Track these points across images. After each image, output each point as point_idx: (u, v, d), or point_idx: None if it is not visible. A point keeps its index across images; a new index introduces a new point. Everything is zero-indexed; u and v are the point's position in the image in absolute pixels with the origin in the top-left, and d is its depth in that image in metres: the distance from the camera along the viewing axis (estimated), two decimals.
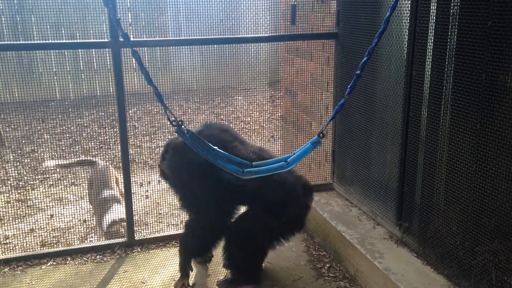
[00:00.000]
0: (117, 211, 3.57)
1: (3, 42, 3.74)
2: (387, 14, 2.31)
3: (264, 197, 2.74)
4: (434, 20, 2.58)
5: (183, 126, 2.37)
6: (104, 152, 5.44)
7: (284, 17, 3.98)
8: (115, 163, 5.13)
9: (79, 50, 7.18)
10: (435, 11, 2.57)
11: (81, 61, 7.41)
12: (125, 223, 3.42)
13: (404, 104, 2.83)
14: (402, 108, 2.85)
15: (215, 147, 2.41)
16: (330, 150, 3.76)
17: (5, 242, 3.53)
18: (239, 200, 2.85)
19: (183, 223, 3.02)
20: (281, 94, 4.72)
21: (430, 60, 2.63)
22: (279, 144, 4.77)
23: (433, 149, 2.66)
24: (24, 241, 3.52)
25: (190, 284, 2.92)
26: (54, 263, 3.18)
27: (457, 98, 2.44)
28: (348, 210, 3.40)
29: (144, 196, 4.36)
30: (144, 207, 4.14)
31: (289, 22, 3.79)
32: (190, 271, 2.94)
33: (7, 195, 4.33)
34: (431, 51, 2.62)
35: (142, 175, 4.83)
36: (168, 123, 2.41)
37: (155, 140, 5.87)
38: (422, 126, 2.72)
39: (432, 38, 2.60)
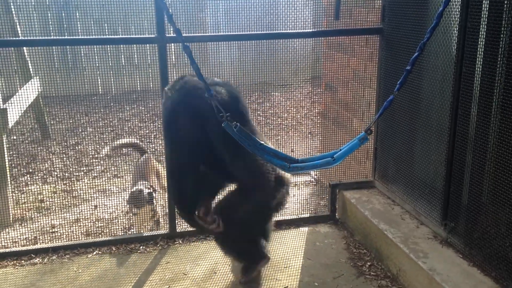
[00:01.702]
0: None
1: (49, 37, 3.87)
2: (440, 8, 2.26)
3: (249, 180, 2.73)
4: (486, 15, 2.51)
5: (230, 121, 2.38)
6: (145, 146, 5.54)
7: (327, 12, 3.95)
8: (156, 156, 5.22)
9: (121, 46, 7.35)
10: (487, 6, 2.50)
11: (122, 56, 7.58)
12: (167, 216, 3.49)
13: (453, 102, 2.76)
14: (450, 105, 2.78)
15: (262, 142, 2.42)
16: (371, 147, 3.71)
17: (52, 231, 3.66)
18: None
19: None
20: (321, 90, 4.69)
21: (482, 56, 2.56)
22: (318, 141, 4.74)
23: (483, 148, 2.59)
24: (70, 230, 3.64)
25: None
26: (100, 252, 3.28)
27: (509, 96, 2.37)
28: (390, 209, 3.35)
29: None
30: None
31: (333, 17, 3.75)
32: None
33: (54, 185, 4.48)
34: (483, 47, 2.54)
35: None
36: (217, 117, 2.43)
37: None
38: (472, 124, 2.65)
39: (484, 33, 2.52)
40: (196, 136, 2.59)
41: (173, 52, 5.82)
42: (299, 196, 4.26)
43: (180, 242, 3.41)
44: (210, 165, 2.78)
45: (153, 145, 5.56)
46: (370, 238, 3.23)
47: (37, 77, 5.28)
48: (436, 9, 2.74)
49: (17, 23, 4.93)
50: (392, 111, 3.38)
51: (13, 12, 4.93)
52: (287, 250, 3.29)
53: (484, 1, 2.51)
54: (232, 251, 2.96)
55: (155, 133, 5.96)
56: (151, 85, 7.33)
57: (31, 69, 5.27)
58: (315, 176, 4.59)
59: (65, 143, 5.57)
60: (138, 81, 7.49)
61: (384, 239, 3.05)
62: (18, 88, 4.73)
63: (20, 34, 4.92)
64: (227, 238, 2.85)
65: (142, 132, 6.06)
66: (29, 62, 5.23)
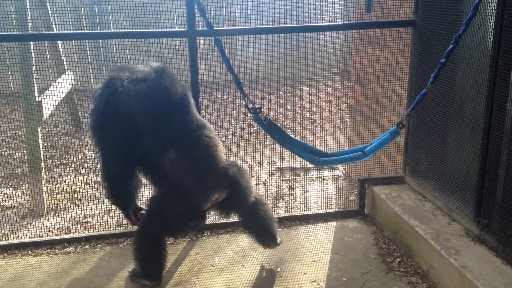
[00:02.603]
0: None
1: (82, 31, 3.94)
2: (477, 0, 2.20)
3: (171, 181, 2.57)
4: None
5: (260, 114, 2.39)
6: None
7: (357, 4, 3.89)
8: None
9: (152, 40, 7.42)
10: None
11: (152, 51, 7.66)
12: None
13: (488, 96, 2.69)
14: (485, 100, 2.71)
15: (292, 135, 2.42)
16: (402, 142, 3.66)
17: (84, 221, 3.75)
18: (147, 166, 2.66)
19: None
20: (351, 84, 4.64)
21: None
22: (347, 135, 4.70)
23: None
24: (102, 220, 3.72)
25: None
26: (130, 242, 3.33)
27: None
28: (421, 205, 3.30)
29: None
30: None
31: (364, 9, 3.69)
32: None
33: (86, 177, 4.59)
34: None
35: None
36: (246, 109, 2.44)
37: (222, 128, 5.98)
38: (507, 118, 2.58)
39: None
40: (128, 139, 2.45)
41: (202, 46, 5.86)
42: (327, 190, 4.24)
43: (209, 234, 3.45)
44: (143, 167, 2.66)
45: None
46: (400, 234, 3.19)
47: (70, 70, 5.40)
48: (472, 1, 2.66)
49: (52, 18, 5.04)
50: (424, 105, 3.31)
51: (48, 7, 5.05)
52: (315, 244, 3.28)
53: None
54: (135, 251, 2.78)
55: None
56: (180, 79, 7.38)
57: (65, 63, 5.39)
58: (343, 171, 4.55)
59: None
60: None
61: (414, 235, 3.00)
62: (53, 81, 4.85)
63: (54, 29, 5.04)
64: (138, 237, 2.76)
65: None
66: (62, 55, 5.35)
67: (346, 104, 6.33)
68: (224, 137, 5.70)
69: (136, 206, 2.81)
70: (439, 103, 3.18)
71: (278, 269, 3.01)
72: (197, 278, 2.94)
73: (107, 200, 2.90)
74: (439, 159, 3.22)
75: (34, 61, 3.83)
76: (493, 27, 2.63)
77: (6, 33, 3.22)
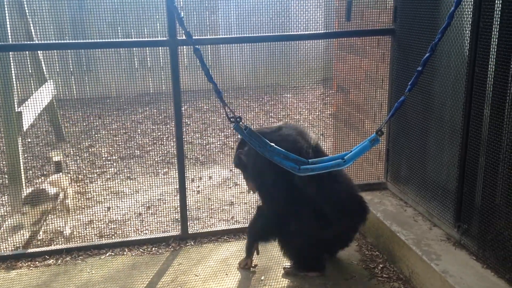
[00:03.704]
0: None
1: (63, 41, 3.92)
2: (452, 8, 2.25)
3: (323, 204, 2.81)
4: (499, 15, 2.48)
5: (241, 123, 2.40)
6: (158, 148, 5.59)
7: (338, 13, 3.94)
8: (168, 158, 5.26)
9: (134, 49, 7.41)
10: (500, 5, 2.47)
11: (136, 59, 7.64)
12: (179, 217, 3.51)
13: (465, 103, 2.73)
14: (463, 106, 2.76)
15: (272, 144, 2.43)
16: (383, 149, 3.69)
17: (66, 232, 3.70)
18: (303, 197, 2.87)
19: (255, 208, 3.17)
20: (333, 91, 4.68)
21: (494, 56, 2.53)
22: (330, 142, 4.73)
23: (496, 149, 2.56)
24: (84, 232, 3.68)
25: (253, 265, 3.10)
26: (112, 253, 3.31)
27: None
28: (403, 210, 3.33)
29: (196, 192, 4.44)
30: (196, 202, 4.22)
31: (344, 18, 3.74)
32: (256, 253, 3.13)
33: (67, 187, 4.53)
34: (496, 47, 2.52)
35: (193, 171, 4.92)
36: (227, 118, 2.45)
37: (206, 137, 5.97)
38: (484, 125, 2.63)
39: (497, 33, 2.49)
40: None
41: (185, 55, 5.86)
42: None
43: (192, 243, 3.43)
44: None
45: (165, 147, 5.59)
46: (383, 240, 3.21)
47: (52, 80, 5.35)
48: (448, 9, 2.71)
49: (32, 27, 5.00)
50: (404, 112, 3.36)
51: (28, 16, 5.00)
52: None
53: (496, 1, 2.48)
54: (296, 250, 2.98)
55: (167, 135, 6.00)
56: (164, 88, 7.37)
57: (45, 73, 5.34)
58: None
59: (79, 146, 5.64)
60: (151, 84, 7.55)
61: (396, 241, 3.02)
62: (33, 91, 4.80)
63: (34, 38, 4.99)
64: (298, 240, 2.91)
65: (155, 134, 6.11)
66: (43, 65, 5.30)
67: (328, 112, 6.38)
68: (208, 146, 5.70)
69: None
70: (419, 110, 3.22)
71: (262, 278, 3.00)
72: None
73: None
74: (419, 165, 3.26)
75: (13, 72, 3.79)
76: (469, 35, 2.68)
77: None
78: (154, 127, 6.36)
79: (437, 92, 3.05)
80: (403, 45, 3.36)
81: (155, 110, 6.92)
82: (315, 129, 6.12)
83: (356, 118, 4.10)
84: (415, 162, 3.31)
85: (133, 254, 3.30)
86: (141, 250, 3.34)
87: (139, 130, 6.22)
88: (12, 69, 3.78)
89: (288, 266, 3.06)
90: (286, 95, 7.49)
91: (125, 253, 3.31)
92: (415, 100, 3.22)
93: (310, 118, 6.60)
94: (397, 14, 3.42)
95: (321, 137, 5.74)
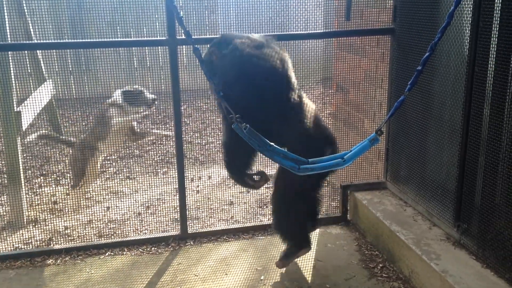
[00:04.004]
0: None
1: (62, 41, 3.91)
2: (452, 8, 2.24)
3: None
4: (499, 14, 2.48)
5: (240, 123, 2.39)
6: (157, 148, 5.58)
7: (337, 13, 3.94)
8: (167, 158, 5.26)
9: (133, 48, 7.40)
10: (500, 5, 2.47)
11: (135, 59, 7.64)
12: (179, 217, 3.51)
13: (465, 102, 2.73)
14: (463, 106, 2.76)
15: (272, 144, 2.42)
16: (383, 148, 3.69)
17: (65, 232, 3.70)
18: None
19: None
20: (332, 91, 4.67)
21: (494, 56, 2.53)
22: None
23: (496, 148, 2.56)
24: (83, 231, 3.67)
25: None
26: (112, 253, 3.30)
27: None
28: (402, 210, 3.33)
29: (195, 191, 4.44)
30: (195, 202, 4.22)
31: (344, 17, 3.74)
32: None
33: (67, 187, 4.53)
34: (495, 46, 2.51)
35: (193, 171, 4.92)
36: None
37: (205, 136, 5.97)
38: (484, 125, 2.63)
39: (497, 33, 2.49)
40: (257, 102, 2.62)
41: (184, 54, 5.86)
42: None
43: (192, 243, 3.42)
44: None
45: (165, 147, 5.59)
46: (382, 239, 3.21)
47: (51, 79, 5.34)
48: (447, 9, 2.71)
49: (31, 27, 4.99)
50: (404, 112, 3.36)
51: (27, 16, 4.99)
52: None
53: (496, 0, 2.48)
54: (283, 228, 3.00)
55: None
56: (163, 87, 7.36)
57: (44, 72, 5.33)
58: (326, 177, 4.56)
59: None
60: (150, 83, 7.54)
61: (396, 241, 3.02)
62: (32, 91, 4.79)
63: (33, 38, 4.98)
64: (281, 213, 2.96)
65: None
66: (42, 65, 5.29)
67: (328, 111, 6.37)
68: (207, 145, 5.69)
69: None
70: (418, 109, 3.22)
71: (262, 277, 3.00)
72: None
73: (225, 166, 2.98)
74: (419, 164, 3.26)
75: (12, 71, 3.78)
76: (469, 34, 2.68)
77: None
78: (153, 126, 6.35)
79: (437, 92, 3.05)
80: (402, 44, 3.36)
81: (154, 110, 6.91)
82: None
83: (356, 117, 4.10)
84: (414, 161, 3.30)
85: (133, 254, 3.30)
86: (140, 250, 3.34)
87: (138, 130, 6.20)
88: (11, 68, 3.76)
89: (278, 259, 3.04)
90: None
91: (124, 253, 3.31)
92: (414, 100, 3.22)
93: None
94: (397, 14, 3.42)
95: None
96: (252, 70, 2.58)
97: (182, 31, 2.69)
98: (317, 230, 3.55)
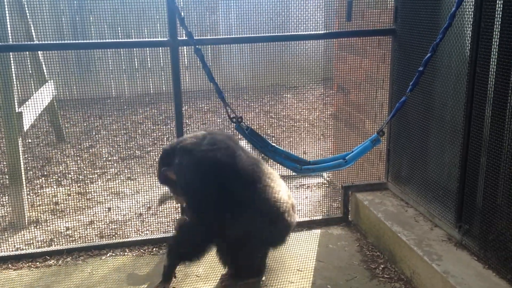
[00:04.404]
0: None
1: (63, 42, 3.91)
2: (453, 9, 2.25)
3: (258, 209, 2.68)
4: (500, 15, 2.48)
5: (242, 123, 2.39)
6: (158, 148, 5.58)
7: (338, 14, 3.94)
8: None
9: (134, 49, 7.40)
10: (501, 5, 2.47)
11: (136, 60, 7.64)
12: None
13: (467, 103, 2.73)
14: (464, 106, 2.75)
15: (274, 144, 2.43)
16: (384, 149, 3.69)
17: (66, 233, 3.70)
18: (236, 208, 2.72)
19: (176, 224, 2.99)
20: (333, 92, 4.67)
21: (496, 56, 2.53)
22: (330, 143, 4.73)
23: (497, 149, 2.56)
24: (84, 232, 3.67)
25: None
26: (113, 254, 3.30)
27: None
28: (404, 211, 3.32)
29: None
30: None
31: (345, 18, 3.74)
32: (174, 278, 2.93)
33: (68, 188, 4.53)
34: (497, 47, 2.51)
35: None
36: (228, 119, 2.45)
37: None
38: (486, 125, 2.62)
39: (498, 33, 2.49)
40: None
41: (185, 55, 5.86)
42: (311, 198, 4.25)
43: None
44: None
45: None
46: (384, 240, 3.21)
47: (52, 80, 5.34)
48: (449, 10, 2.71)
49: (32, 28, 4.99)
50: (405, 113, 3.35)
51: (28, 17, 5.00)
52: (300, 252, 3.28)
53: (498, 1, 2.48)
54: (234, 256, 2.83)
55: (167, 136, 6.00)
56: (164, 88, 7.37)
57: (45, 73, 5.34)
58: (328, 178, 4.57)
59: (79, 146, 5.63)
60: (151, 84, 7.54)
61: (397, 242, 3.02)
62: (33, 92, 4.79)
63: (35, 38, 4.98)
64: (237, 245, 2.77)
65: (155, 134, 6.11)
66: (43, 66, 5.30)
67: (329, 112, 6.38)
68: None
69: None
70: (420, 110, 3.22)
71: (263, 278, 3.00)
72: None
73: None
74: (420, 165, 3.26)
75: (14, 72, 3.79)
76: (470, 35, 2.67)
77: None
78: (154, 127, 6.36)
79: (438, 92, 3.04)
80: (404, 45, 3.36)
81: (155, 111, 6.92)
82: (315, 129, 6.13)
83: (357, 118, 4.10)
84: (416, 162, 3.30)
85: (134, 254, 3.30)
86: (142, 250, 3.34)
87: (139, 131, 6.22)
88: (13, 69, 3.77)
89: (225, 274, 2.95)
90: (286, 95, 7.49)
91: (125, 253, 3.31)
92: (416, 100, 3.22)
93: (310, 118, 6.60)
94: (398, 14, 3.42)
95: (322, 137, 5.75)
96: (209, 169, 2.63)
97: (184, 32, 2.71)
98: (319, 231, 3.56)
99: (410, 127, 3.35)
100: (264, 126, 6.30)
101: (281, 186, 2.77)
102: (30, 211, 3.99)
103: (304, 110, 6.90)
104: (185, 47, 4.10)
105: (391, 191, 3.64)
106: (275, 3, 5.90)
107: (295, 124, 6.46)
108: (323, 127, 6.08)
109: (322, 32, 3.86)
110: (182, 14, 2.46)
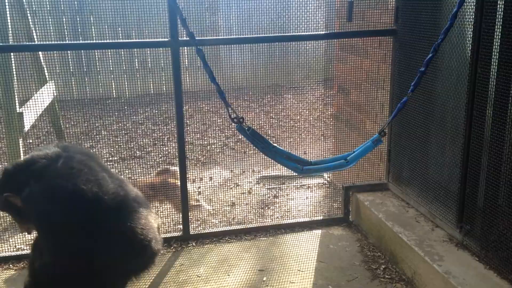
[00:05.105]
0: None
1: (64, 42, 3.92)
2: (455, 9, 2.25)
3: (125, 240, 2.42)
4: (501, 16, 2.48)
5: (243, 123, 2.40)
6: (158, 149, 5.58)
7: (339, 14, 3.94)
8: (169, 159, 5.26)
9: (135, 50, 7.41)
10: (502, 6, 2.47)
11: (136, 60, 7.64)
12: (181, 218, 3.51)
13: (468, 103, 2.73)
14: (465, 107, 2.75)
15: (275, 145, 2.43)
16: (385, 149, 3.69)
17: None
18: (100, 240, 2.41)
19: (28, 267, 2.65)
20: (333, 92, 4.68)
21: (497, 57, 2.53)
22: (331, 143, 4.73)
23: (498, 149, 2.56)
24: None
25: None
26: None
27: None
28: (405, 211, 3.32)
29: (197, 192, 4.44)
30: (197, 203, 4.21)
31: (345, 19, 3.74)
32: None
33: None
34: (498, 47, 2.52)
35: (194, 172, 4.92)
36: (229, 119, 2.45)
37: (206, 138, 5.97)
38: (487, 126, 2.63)
39: (499, 34, 2.50)
40: None
41: (186, 56, 5.86)
42: (312, 198, 4.25)
43: (194, 244, 3.42)
44: None
45: (166, 148, 5.59)
46: (385, 240, 3.21)
47: (53, 81, 5.34)
48: (450, 10, 2.72)
49: (33, 28, 4.99)
50: (406, 113, 3.35)
51: (29, 18, 4.99)
52: (300, 252, 3.28)
53: (499, 2, 2.48)
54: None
55: (168, 136, 6.00)
56: (164, 89, 7.38)
57: (46, 74, 5.33)
58: (328, 178, 4.57)
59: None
60: (151, 85, 7.55)
61: (398, 242, 3.02)
62: (34, 92, 4.79)
63: (35, 39, 4.98)
64: None
65: (155, 135, 6.11)
66: (44, 66, 5.29)
67: (329, 112, 6.38)
68: (208, 146, 5.69)
69: None
70: (420, 110, 3.22)
71: (264, 278, 3.00)
72: None
73: None
74: (421, 166, 3.26)
75: (14, 72, 3.79)
76: (471, 35, 2.68)
77: None
78: (154, 127, 6.36)
79: (439, 93, 3.05)
80: (404, 45, 3.36)
81: (156, 111, 6.92)
82: (315, 129, 6.13)
83: (357, 118, 4.10)
84: (417, 162, 3.30)
85: None
86: None
87: (139, 131, 6.22)
88: (14, 69, 3.77)
89: None
90: (286, 95, 7.49)
91: None
92: (417, 101, 3.22)
93: (311, 118, 6.60)
94: (399, 15, 3.42)
95: (322, 137, 5.75)
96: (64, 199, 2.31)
97: (185, 32, 2.71)
98: (319, 231, 3.56)
99: (411, 128, 3.35)
100: (265, 127, 6.30)
101: (147, 209, 2.56)
102: None
103: (304, 110, 6.90)
104: (185, 48, 4.10)
105: (392, 191, 3.64)
106: (276, 3, 5.91)
107: (295, 124, 6.46)
108: (324, 127, 6.08)
109: (323, 32, 3.86)
110: (184, 14, 2.46)
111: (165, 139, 5.93)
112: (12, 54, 3.77)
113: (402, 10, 3.37)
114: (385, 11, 3.59)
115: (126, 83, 7.51)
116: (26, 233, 2.70)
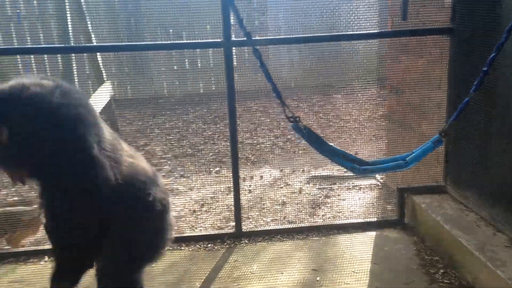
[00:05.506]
0: None
1: (120, 43, 4.05)
2: None
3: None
4: None
5: (300, 123, 2.40)
6: (209, 147, 5.67)
7: (391, 12, 3.86)
8: (219, 157, 5.33)
9: (185, 50, 7.55)
10: None
11: (186, 61, 7.79)
12: (233, 215, 3.56)
13: None
14: None
15: (331, 144, 2.42)
16: (442, 151, 3.59)
17: None
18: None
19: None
20: (385, 92, 4.59)
21: None
22: (383, 144, 4.64)
23: None
24: None
25: None
26: (170, 248, 3.37)
27: None
28: (464, 215, 3.22)
29: (247, 191, 4.48)
30: (248, 201, 4.25)
31: (398, 17, 3.67)
32: None
33: None
34: None
35: (244, 170, 4.96)
36: (285, 118, 2.46)
37: (255, 137, 6.01)
38: None
39: None
40: None
41: (235, 56, 5.92)
42: (364, 199, 4.20)
43: (246, 241, 3.46)
44: None
45: (217, 146, 5.67)
46: (443, 244, 3.12)
47: (109, 81, 5.54)
48: (511, 8, 2.61)
49: (91, 30, 5.19)
50: (465, 113, 3.24)
51: (87, 20, 5.20)
52: (354, 254, 3.25)
53: None
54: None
55: (218, 135, 6.09)
56: (214, 88, 7.48)
57: (104, 74, 5.54)
58: (381, 180, 4.50)
59: (135, 144, 5.80)
60: (201, 84, 7.67)
61: (458, 246, 2.94)
62: (92, 92, 4.99)
63: (93, 41, 5.18)
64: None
65: (206, 133, 6.21)
66: (101, 67, 5.50)
67: (381, 113, 6.26)
68: (258, 146, 5.73)
69: None
70: (480, 111, 3.11)
71: (318, 278, 2.99)
72: (237, 284, 2.96)
73: None
74: (481, 168, 3.15)
75: (75, 73, 3.96)
76: None
77: (50, 45, 3.34)
78: (205, 126, 6.47)
79: (501, 93, 2.93)
80: (462, 44, 3.26)
81: (205, 110, 7.04)
82: (366, 129, 6.03)
83: (412, 119, 4.00)
84: (477, 165, 3.20)
85: (190, 249, 3.38)
86: (197, 246, 3.42)
87: (190, 130, 6.34)
88: (75, 70, 3.94)
89: None
90: (335, 95, 7.42)
91: (182, 248, 3.39)
92: (477, 101, 3.11)
93: (361, 119, 6.50)
94: (456, 12, 3.32)
95: (373, 138, 5.65)
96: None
97: (242, 32, 2.74)
98: (373, 233, 3.51)
99: (470, 128, 3.24)
100: (314, 126, 6.28)
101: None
102: None
103: (354, 110, 6.81)
104: (234, 49, 4.15)
105: (449, 194, 3.54)
106: (324, 3, 5.86)
107: (345, 124, 6.39)
108: (375, 128, 5.98)
109: (376, 31, 3.80)
110: (241, 15, 2.50)
111: (215, 137, 6.02)
112: (73, 55, 3.93)
113: (459, 7, 3.28)
114: (441, 9, 3.49)
115: (177, 83, 7.66)
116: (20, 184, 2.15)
